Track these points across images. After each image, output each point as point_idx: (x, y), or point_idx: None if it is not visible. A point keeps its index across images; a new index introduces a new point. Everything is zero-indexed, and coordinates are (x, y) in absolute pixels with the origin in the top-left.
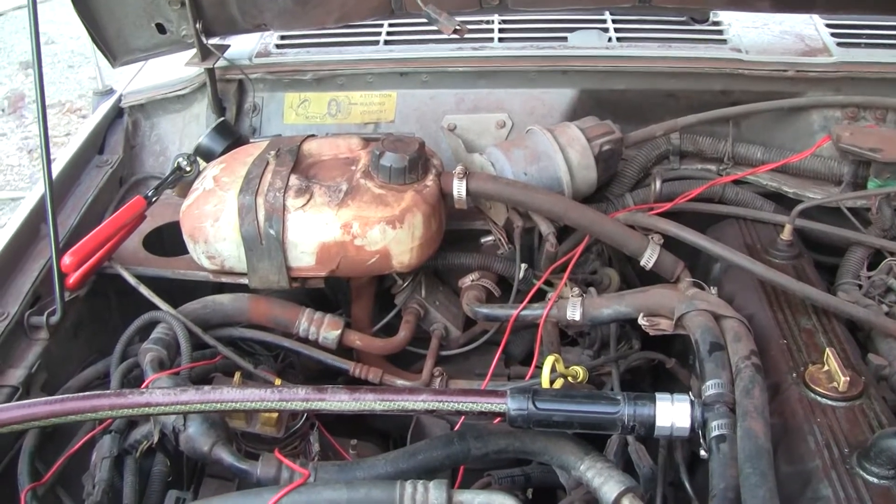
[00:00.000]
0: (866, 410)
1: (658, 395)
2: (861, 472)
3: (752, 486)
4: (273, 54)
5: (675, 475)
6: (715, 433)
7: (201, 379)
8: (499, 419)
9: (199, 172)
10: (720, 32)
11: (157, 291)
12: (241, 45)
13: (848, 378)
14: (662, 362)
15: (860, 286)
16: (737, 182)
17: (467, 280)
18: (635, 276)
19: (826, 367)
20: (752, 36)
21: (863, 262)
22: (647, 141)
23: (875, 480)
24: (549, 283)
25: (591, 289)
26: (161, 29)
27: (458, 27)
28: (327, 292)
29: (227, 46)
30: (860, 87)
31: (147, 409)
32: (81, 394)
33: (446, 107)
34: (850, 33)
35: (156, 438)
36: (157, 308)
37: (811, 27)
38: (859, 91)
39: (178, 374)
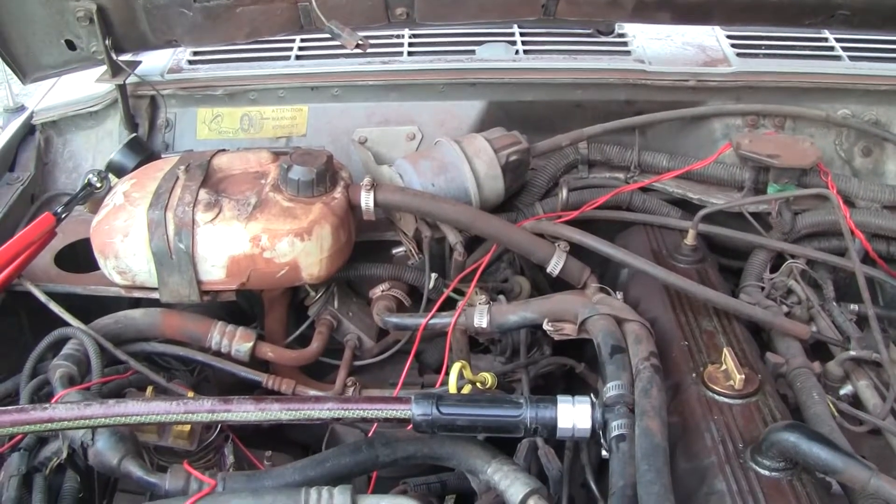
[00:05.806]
0: (761, 407)
1: (560, 398)
2: (754, 466)
3: (648, 482)
4: (185, 70)
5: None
6: (615, 433)
7: (114, 394)
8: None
9: (110, 188)
10: (625, 44)
11: (72, 308)
12: (154, 61)
13: (743, 376)
14: (574, 367)
15: (763, 288)
16: (643, 189)
17: (378, 290)
18: (547, 284)
19: (724, 367)
20: (656, 47)
21: (765, 265)
22: (556, 151)
23: (767, 473)
24: (459, 291)
25: (501, 296)
26: (71, 45)
27: (360, 42)
28: (243, 305)
29: (139, 62)
30: (759, 95)
31: (50, 424)
32: None
33: (357, 120)
34: (749, 44)
35: (65, 454)
36: (67, 324)
37: (713, 38)
38: (758, 99)
39: (88, 389)
